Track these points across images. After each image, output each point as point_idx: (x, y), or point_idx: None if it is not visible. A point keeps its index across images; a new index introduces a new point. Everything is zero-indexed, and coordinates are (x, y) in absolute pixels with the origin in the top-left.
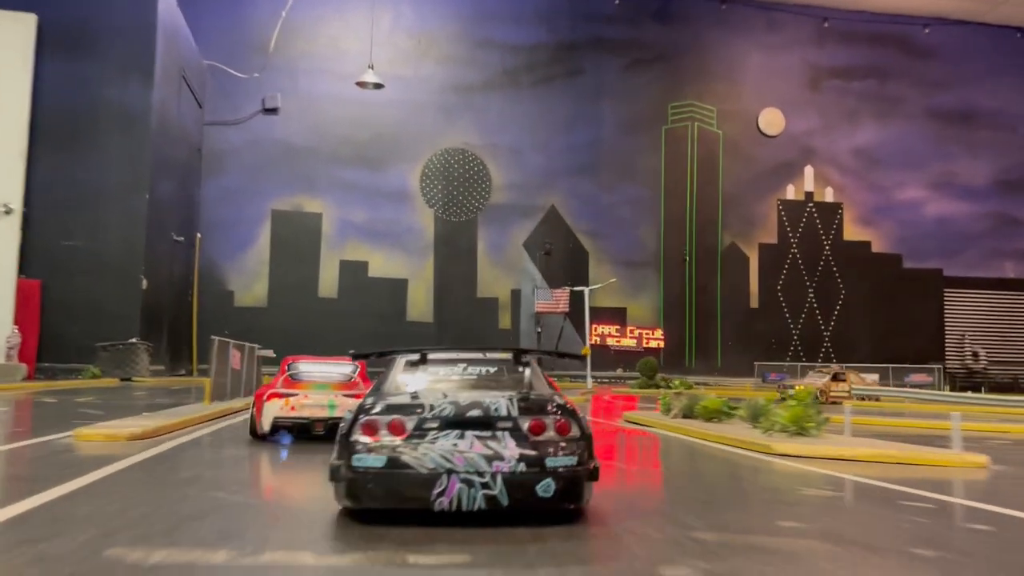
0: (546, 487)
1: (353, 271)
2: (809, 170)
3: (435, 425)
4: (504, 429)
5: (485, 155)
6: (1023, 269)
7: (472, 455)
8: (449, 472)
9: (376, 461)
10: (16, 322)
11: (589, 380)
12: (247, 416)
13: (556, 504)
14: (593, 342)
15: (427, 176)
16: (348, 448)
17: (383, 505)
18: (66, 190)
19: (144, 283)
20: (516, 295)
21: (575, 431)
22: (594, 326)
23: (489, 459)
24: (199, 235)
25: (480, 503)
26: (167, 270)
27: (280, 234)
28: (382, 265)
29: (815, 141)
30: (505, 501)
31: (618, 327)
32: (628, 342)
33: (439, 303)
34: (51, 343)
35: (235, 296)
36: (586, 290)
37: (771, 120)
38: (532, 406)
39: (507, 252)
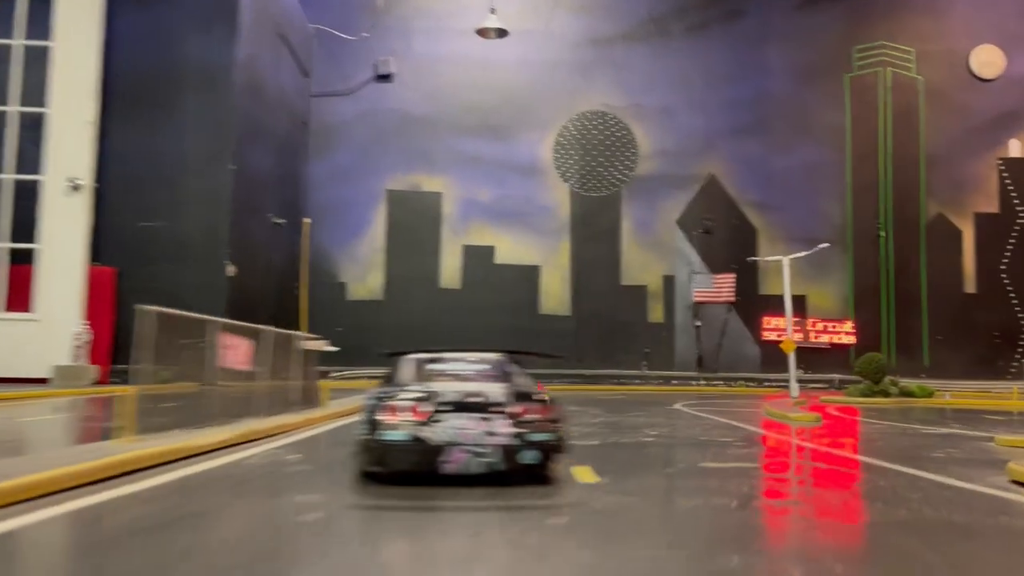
0: (531, 456)
1: (478, 257)
2: None
3: (445, 409)
4: (498, 412)
5: (629, 118)
6: None
7: (474, 432)
8: (454, 445)
9: (403, 436)
10: (87, 316)
11: (794, 386)
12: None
13: (536, 469)
14: (767, 338)
15: (561, 145)
16: (376, 426)
17: (402, 468)
18: (143, 162)
19: (231, 270)
20: (669, 282)
21: (551, 415)
22: (766, 318)
23: (489, 434)
24: (306, 219)
25: (481, 468)
26: (264, 257)
27: (396, 217)
28: (511, 250)
29: None
30: (501, 467)
31: (797, 319)
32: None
33: (577, 293)
34: (128, 341)
35: (348, 288)
36: (785, 260)
37: (987, 59)
38: (519, 395)
39: (657, 231)
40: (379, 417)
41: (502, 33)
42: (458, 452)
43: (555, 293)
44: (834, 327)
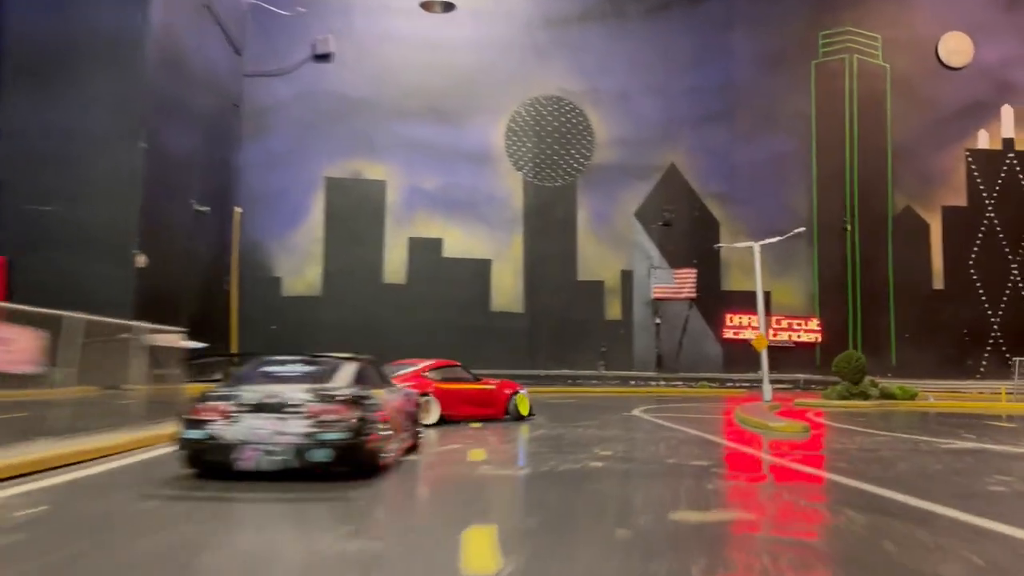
0: (322, 454)
1: (425, 250)
2: (1008, 111)
3: (244, 409)
4: (293, 413)
5: (586, 104)
6: None
7: (265, 431)
8: (247, 443)
9: (200, 435)
10: None
11: (767, 388)
12: None
13: (332, 467)
14: (730, 336)
15: (514, 132)
16: (184, 425)
17: (204, 464)
18: (39, 138)
19: (141, 260)
20: (627, 277)
21: (351, 414)
22: (728, 315)
23: (280, 433)
24: (238, 209)
25: (273, 466)
26: (186, 247)
27: (336, 206)
28: (460, 243)
29: (1015, 73)
30: (293, 464)
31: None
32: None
33: (530, 288)
34: None
35: (283, 283)
36: (755, 247)
37: (955, 47)
38: (319, 396)
39: (615, 224)
40: (188, 416)
41: (448, 7)
42: (250, 450)
43: (507, 289)
44: (799, 324)
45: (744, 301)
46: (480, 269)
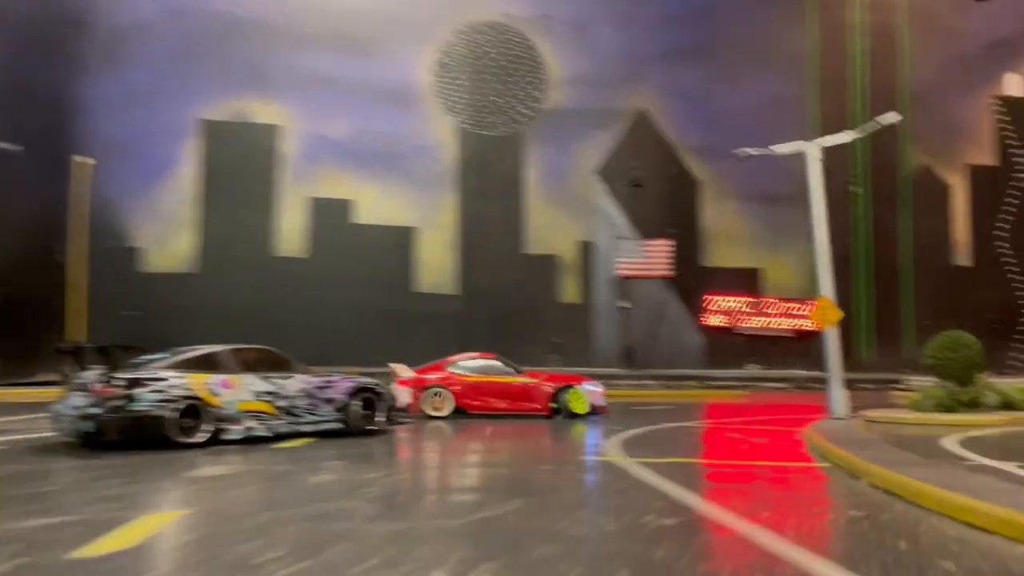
0: (87, 426)
1: (330, 215)
2: None
3: (72, 388)
4: (85, 391)
5: (536, 33)
6: None
7: (70, 405)
8: (63, 414)
9: (52, 408)
10: None
11: (840, 397)
12: None
13: (97, 437)
14: (711, 323)
15: (446, 67)
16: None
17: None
18: None
19: None
20: (587, 250)
21: (117, 392)
22: (709, 297)
23: (75, 408)
24: (84, 159)
25: (70, 433)
26: None
27: (215, 157)
28: (376, 206)
29: None
30: (75, 432)
31: (750, 298)
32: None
33: (466, 264)
34: None
35: (144, 255)
36: (812, 148)
37: None
38: (102, 378)
39: (571, 184)
40: None
41: None
42: (65, 420)
43: (436, 264)
44: (796, 309)
45: (731, 280)
46: (402, 239)
